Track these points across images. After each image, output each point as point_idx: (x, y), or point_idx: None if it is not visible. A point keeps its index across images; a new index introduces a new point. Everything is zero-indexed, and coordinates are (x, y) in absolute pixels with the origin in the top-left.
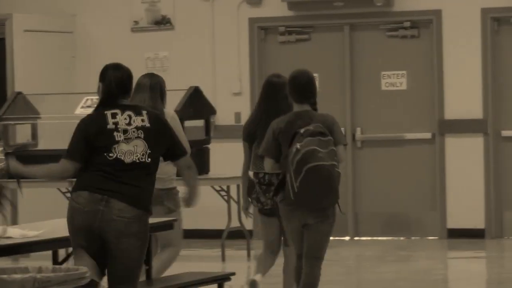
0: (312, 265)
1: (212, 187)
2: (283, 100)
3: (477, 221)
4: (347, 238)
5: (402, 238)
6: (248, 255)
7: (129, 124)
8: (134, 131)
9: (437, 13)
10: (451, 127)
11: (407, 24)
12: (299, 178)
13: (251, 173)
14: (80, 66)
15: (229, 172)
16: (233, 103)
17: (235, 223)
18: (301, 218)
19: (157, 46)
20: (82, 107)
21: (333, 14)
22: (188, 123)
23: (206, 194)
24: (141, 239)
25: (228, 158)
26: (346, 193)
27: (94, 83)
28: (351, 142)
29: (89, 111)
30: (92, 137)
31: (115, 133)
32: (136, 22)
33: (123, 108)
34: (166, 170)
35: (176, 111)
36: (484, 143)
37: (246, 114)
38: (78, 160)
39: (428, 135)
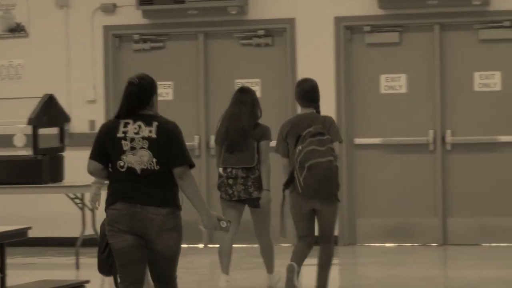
0: (325, 244)
1: (67, 195)
2: (252, 107)
3: None
4: (201, 245)
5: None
6: None
7: (137, 133)
8: (140, 141)
9: (291, 21)
10: None
11: (261, 32)
12: (303, 174)
13: (220, 169)
14: None
15: (83, 179)
16: (88, 111)
17: (89, 231)
18: (309, 205)
19: (11, 53)
20: None
21: (187, 22)
22: (42, 131)
23: (61, 201)
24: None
25: (82, 165)
26: None
27: None
28: (205, 149)
29: None
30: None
31: (123, 142)
32: None
33: (135, 118)
34: None
35: (30, 118)
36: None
37: (100, 122)
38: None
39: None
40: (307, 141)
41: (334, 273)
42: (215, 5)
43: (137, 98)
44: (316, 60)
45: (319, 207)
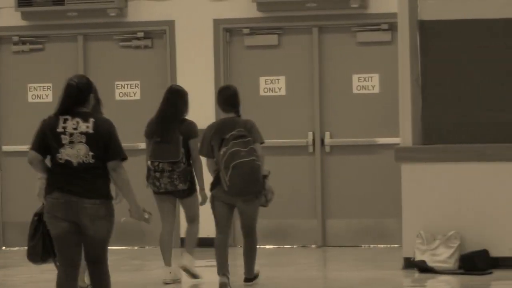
0: (249, 238)
1: None
2: (182, 105)
3: (209, 231)
4: None
5: (136, 247)
6: None
7: (75, 129)
8: (78, 136)
9: (170, 23)
10: None
11: (141, 34)
12: (228, 173)
13: (148, 163)
14: None
15: None
16: None
17: None
18: (232, 201)
19: None
20: None
21: (67, 24)
22: None
23: None
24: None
25: None
26: None
27: None
28: None
29: None
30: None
31: (62, 136)
32: None
33: (74, 115)
34: None
35: None
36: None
37: None
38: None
39: None
40: (230, 144)
41: (212, 275)
42: (94, 7)
43: (75, 97)
44: (196, 62)
45: (241, 204)
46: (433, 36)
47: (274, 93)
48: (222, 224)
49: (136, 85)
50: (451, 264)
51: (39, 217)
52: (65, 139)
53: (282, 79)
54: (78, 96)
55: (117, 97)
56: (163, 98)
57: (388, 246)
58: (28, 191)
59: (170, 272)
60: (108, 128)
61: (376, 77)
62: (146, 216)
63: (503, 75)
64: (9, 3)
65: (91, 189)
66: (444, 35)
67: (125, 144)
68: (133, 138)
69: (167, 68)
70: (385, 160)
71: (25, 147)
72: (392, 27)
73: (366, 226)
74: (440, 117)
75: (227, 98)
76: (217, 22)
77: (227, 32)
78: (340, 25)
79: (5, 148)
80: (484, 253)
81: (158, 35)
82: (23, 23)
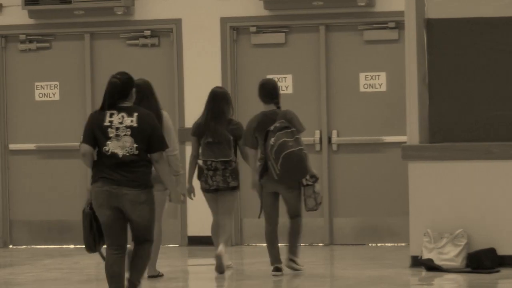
0: (294, 217)
1: None
2: (224, 105)
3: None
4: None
5: None
6: None
7: (121, 123)
8: (123, 129)
9: (177, 22)
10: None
11: (147, 33)
12: (279, 163)
13: (200, 161)
14: None
15: None
16: None
17: None
18: (277, 189)
19: None
20: None
21: (74, 22)
22: None
23: None
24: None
25: None
26: None
27: None
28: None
29: None
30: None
31: (109, 130)
32: None
33: (119, 110)
34: None
35: None
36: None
37: None
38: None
39: None
40: (277, 135)
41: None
42: (101, 5)
43: (119, 92)
44: (203, 60)
45: (285, 192)
46: (440, 34)
47: (281, 92)
48: (271, 214)
49: None
50: (458, 262)
51: (92, 209)
52: (111, 132)
53: (289, 77)
54: (122, 91)
55: None
56: (207, 100)
57: (395, 244)
58: (34, 190)
59: (222, 249)
60: (150, 121)
61: (383, 75)
62: (182, 198)
63: (510, 74)
64: (16, 1)
65: (133, 179)
66: (451, 33)
67: None
68: None
69: (174, 67)
70: (392, 159)
71: (32, 146)
72: (399, 26)
73: (373, 225)
74: (447, 115)
75: (268, 91)
76: (224, 21)
77: (234, 31)
78: (347, 24)
79: (12, 146)
80: (491, 251)
81: (165, 34)
82: (30, 21)
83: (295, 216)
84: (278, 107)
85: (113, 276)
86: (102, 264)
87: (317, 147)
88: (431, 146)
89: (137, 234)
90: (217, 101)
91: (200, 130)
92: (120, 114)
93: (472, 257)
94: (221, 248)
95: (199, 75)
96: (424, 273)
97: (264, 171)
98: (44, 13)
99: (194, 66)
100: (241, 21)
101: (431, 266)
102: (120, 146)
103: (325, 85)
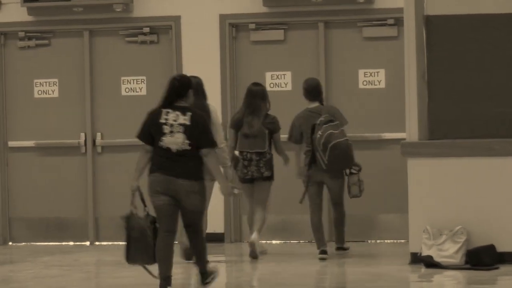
0: (337, 205)
1: None
2: (260, 101)
3: (216, 226)
4: (87, 243)
5: None
6: None
7: (175, 121)
8: (177, 127)
9: (176, 19)
10: None
11: (146, 29)
12: (327, 154)
13: (236, 152)
14: None
15: None
16: None
17: None
18: (322, 179)
19: None
20: None
21: (72, 19)
22: None
23: None
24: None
25: None
26: (87, 198)
27: None
28: (91, 147)
29: None
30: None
31: (164, 126)
32: None
33: (174, 108)
34: None
35: None
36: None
37: None
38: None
39: None
40: (323, 128)
41: (221, 270)
42: (100, 2)
43: (176, 92)
44: (202, 57)
45: (329, 180)
46: (439, 31)
47: (279, 88)
48: (316, 203)
49: (142, 80)
50: (458, 259)
51: (154, 223)
52: (166, 129)
53: (288, 74)
54: (179, 92)
55: (123, 93)
56: (245, 96)
57: (395, 241)
58: (34, 187)
59: (254, 237)
60: (202, 121)
61: (382, 72)
62: (236, 191)
63: (509, 70)
64: None
65: (186, 171)
66: (450, 30)
67: (130, 140)
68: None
69: (173, 64)
70: (391, 155)
71: (31, 143)
72: (398, 22)
73: (372, 221)
74: (447, 112)
75: (313, 89)
76: (223, 17)
77: (233, 27)
78: (346, 20)
79: (11, 143)
80: (490, 248)
81: (164, 31)
82: (29, 18)
83: (337, 203)
84: (322, 104)
85: (161, 259)
86: (101, 261)
87: None
88: (430, 143)
89: (187, 222)
90: (253, 97)
91: (238, 124)
92: (175, 113)
93: (472, 254)
94: (254, 235)
95: (198, 72)
96: (423, 269)
97: (312, 162)
98: (43, 10)
99: (193, 63)
100: (240, 18)
101: (430, 263)
102: (173, 141)
103: (324, 81)
